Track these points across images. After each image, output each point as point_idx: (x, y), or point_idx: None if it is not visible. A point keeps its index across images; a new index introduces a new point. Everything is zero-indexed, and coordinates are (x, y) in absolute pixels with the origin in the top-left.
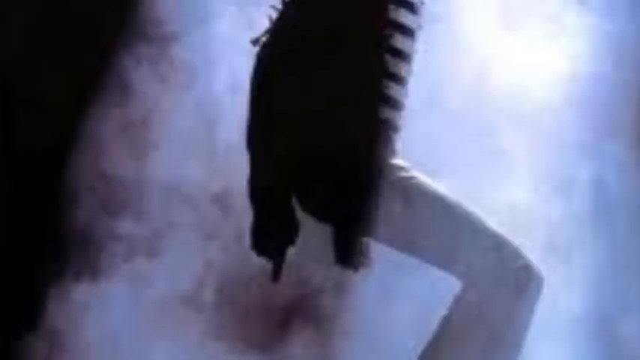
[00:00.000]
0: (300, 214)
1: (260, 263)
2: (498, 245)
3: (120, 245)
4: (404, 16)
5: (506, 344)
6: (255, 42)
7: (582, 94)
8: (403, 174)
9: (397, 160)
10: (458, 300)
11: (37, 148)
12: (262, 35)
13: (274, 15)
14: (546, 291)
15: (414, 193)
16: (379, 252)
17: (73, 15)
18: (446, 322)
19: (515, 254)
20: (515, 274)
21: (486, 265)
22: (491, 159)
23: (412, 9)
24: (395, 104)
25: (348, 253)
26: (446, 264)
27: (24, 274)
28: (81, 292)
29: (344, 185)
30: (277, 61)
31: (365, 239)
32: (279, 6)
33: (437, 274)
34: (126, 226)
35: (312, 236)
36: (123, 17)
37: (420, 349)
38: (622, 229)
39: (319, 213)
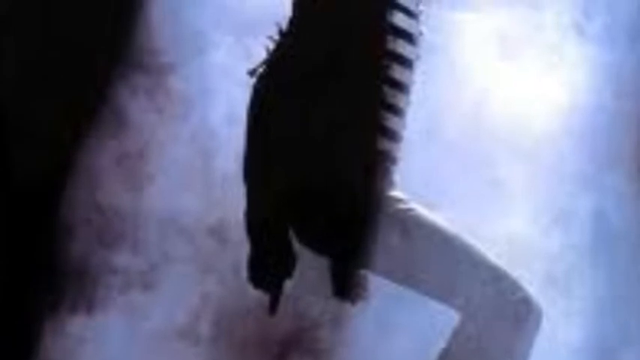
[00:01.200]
0: (297, 247)
1: (257, 296)
2: (497, 278)
3: (116, 278)
4: (402, 47)
5: None
6: (252, 73)
7: (582, 124)
8: (401, 206)
9: (395, 192)
10: (456, 333)
11: (32, 180)
12: (259, 66)
13: (271, 46)
14: (545, 323)
15: (412, 225)
16: (377, 284)
17: (67, 45)
18: (444, 355)
19: (514, 287)
20: (514, 307)
21: (485, 298)
22: (490, 190)
23: (410, 39)
24: (393, 136)
25: (345, 285)
26: (444, 296)
27: (19, 307)
28: (77, 325)
29: (341, 217)
30: (274, 93)
31: (362, 272)
32: (277, 36)
33: (435, 306)
34: (122, 258)
35: (310, 269)
36: (118, 47)
37: None
38: (622, 261)
39: (316, 245)
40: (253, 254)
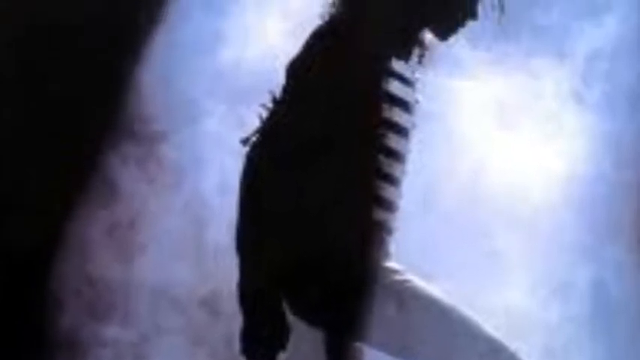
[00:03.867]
0: (291, 318)
1: None
2: (495, 350)
3: (106, 350)
4: (398, 115)
5: None
6: (245, 142)
7: (581, 194)
8: (397, 277)
9: (391, 263)
10: None
11: (21, 252)
12: (252, 135)
13: (265, 114)
14: None
15: (408, 297)
16: (372, 357)
17: (57, 113)
18: None
19: (513, 359)
20: None
21: None
22: (488, 261)
23: (406, 107)
24: (389, 205)
25: (340, 358)
26: None
27: None
28: None
29: (336, 289)
30: (268, 162)
31: (358, 344)
32: (270, 105)
33: None
34: (112, 330)
35: (304, 341)
36: (109, 115)
37: None
38: (621, 333)
39: (311, 317)
40: (246, 326)
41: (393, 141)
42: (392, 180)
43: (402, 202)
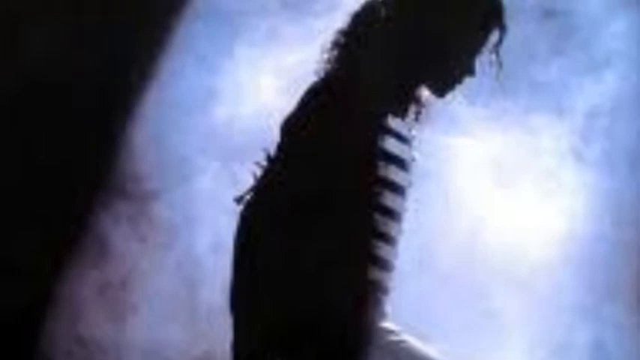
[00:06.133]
0: None
1: None
2: None
3: None
4: (394, 173)
5: None
6: (239, 200)
7: (580, 254)
8: (393, 338)
9: (387, 323)
10: None
11: (11, 312)
12: (246, 193)
13: (259, 172)
14: None
15: (404, 358)
16: None
17: (48, 171)
18: None
19: None
20: None
21: None
22: (485, 322)
23: (402, 165)
24: (384, 265)
25: None
26: None
27: None
28: None
29: (332, 350)
30: (262, 221)
31: None
32: (264, 163)
33: None
34: None
35: None
36: (100, 173)
37: None
38: None
39: None
40: None
41: (389, 199)
42: (388, 239)
43: (397, 262)
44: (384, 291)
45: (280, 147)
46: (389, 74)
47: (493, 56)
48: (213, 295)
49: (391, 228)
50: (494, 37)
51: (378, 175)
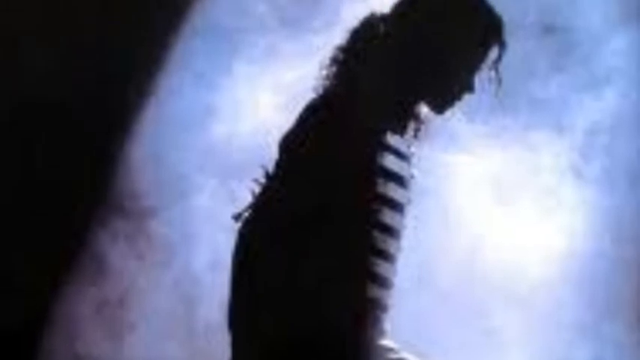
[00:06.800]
0: None
1: None
2: None
3: None
4: (393, 190)
5: None
6: (237, 217)
7: (580, 271)
8: (392, 355)
9: (386, 341)
10: None
11: (8, 330)
12: (245, 210)
13: (257, 189)
14: None
15: None
16: None
17: (46, 188)
18: None
19: None
20: None
21: None
22: (484, 340)
23: (401, 183)
24: (383, 282)
25: None
26: None
27: None
28: None
29: None
30: (261, 238)
31: None
32: (263, 180)
33: None
34: None
35: None
36: (98, 191)
37: None
38: None
39: None
40: None
41: (388, 216)
42: (387, 256)
43: (396, 279)
44: (383, 308)
45: (279, 164)
46: (388, 91)
47: (492, 73)
48: (211, 312)
49: (390, 245)
50: (493, 53)
51: (376, 192)
